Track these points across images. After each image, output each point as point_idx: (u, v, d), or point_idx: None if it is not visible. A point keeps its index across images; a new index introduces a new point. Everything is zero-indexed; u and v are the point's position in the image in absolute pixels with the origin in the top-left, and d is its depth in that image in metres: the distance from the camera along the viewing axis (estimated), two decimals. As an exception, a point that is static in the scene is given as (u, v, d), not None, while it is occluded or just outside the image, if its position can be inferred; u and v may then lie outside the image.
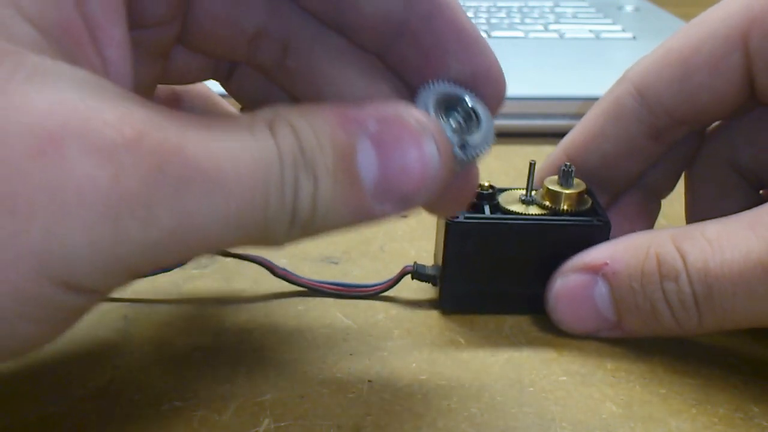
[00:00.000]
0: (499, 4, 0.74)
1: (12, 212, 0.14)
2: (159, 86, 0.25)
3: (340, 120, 0.18)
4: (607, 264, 0.26)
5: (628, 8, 0.75)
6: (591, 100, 0.48)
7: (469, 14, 0.69)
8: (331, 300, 0.30)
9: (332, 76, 0.23)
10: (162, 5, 0.20)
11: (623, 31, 0.65)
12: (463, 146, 0.21)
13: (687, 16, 0.76)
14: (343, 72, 0.23)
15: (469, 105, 0.22)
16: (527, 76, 0.52)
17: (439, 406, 0.24)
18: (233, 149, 0.16)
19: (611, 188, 0.31)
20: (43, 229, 0.14)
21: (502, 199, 0.29)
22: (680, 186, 0.33)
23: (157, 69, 0.23)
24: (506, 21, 0.68)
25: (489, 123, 0.22)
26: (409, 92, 0.23)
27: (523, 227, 0.28)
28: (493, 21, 0.67)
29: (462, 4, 0.78)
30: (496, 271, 0.28)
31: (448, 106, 0.21)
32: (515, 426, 0.23)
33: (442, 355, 0.27)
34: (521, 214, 0.28)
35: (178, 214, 0.15)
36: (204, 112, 0.27)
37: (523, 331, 0.28)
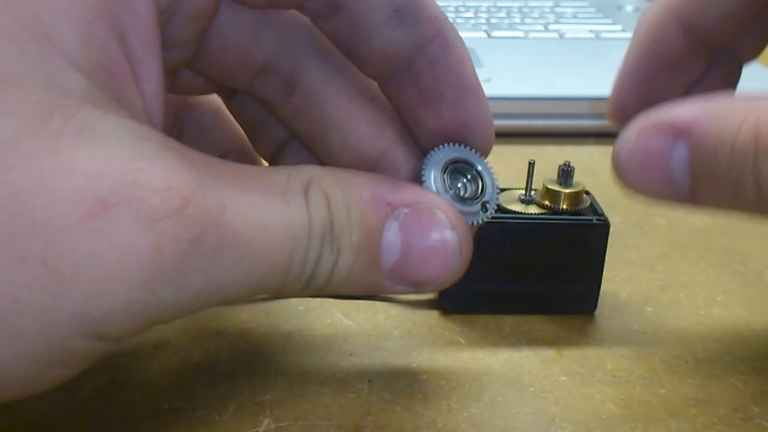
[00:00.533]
0: (500, 4, 0.74)
1: (56, 277, 0.15)
2: (170, 95, 0.25)
3: (373, 199, 0.19)
4: (692, 126, 0.22)
5: (628, 8, 0.75)
6: (591, 100, 0.49)
7: (469, 14, 0.69)
8: (331, 300, 0.30)
9: (339, 119, 0.23)
10: (188, 29, 0.20)
11: (623, 31, 0.65)
12: (470, 214, 0.22)
13: (687, 16, 0.75)
14: (351, 118, 0.23)
15: (477, 170, 0.22)
16: (527, 76, 0.52)
17: (439, 406, 0.24)
18: (267, 217, 0.17)
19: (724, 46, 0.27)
20: (84, 294, 0.15)
21: (502, 198, 0.29)
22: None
23: (165, 84, 0.23)
24: (506, 21, 0.68)
25: (493, 186, 0.22)
26: (414, 141, 0.23)
27: (523, 227, 0.28)
28: (493, 21, 0.67)
29: (462, 3, 0.79)
30: (495, 271, 0.28)
31: (456, 170, 0.22)
32: (515, 426, 0.23)
33: (442, 355, 0.27)
34: (521, 213, 0.28)
35: (209, 279, 0.16)
36: (212, 126, 0.27)
37: (523, 331, 0.28)
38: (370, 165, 0.23)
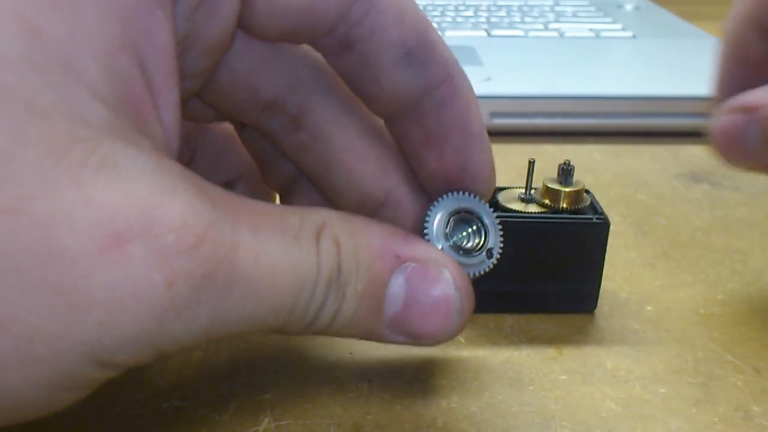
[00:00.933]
0: (499, 3, 0.74)
1: (70, 306, 0.15)
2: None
3: (383, 250, 0.20)
4: (760, 106, 0.26)
5: (628, 7, 0.75)
6: (591, 99, 0.49)
7: (469, 13, 0.69)
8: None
9: (344, 158, 0.23)
10: (202, 61, 0.20)
11: (623, 29, 0.65)
12: (474, 265, 0.22)
13: (687, 15, 0.76)
14: (357, 158, 0.23)
15: (481, 219, 0.23)
16: (527, 74, 0.52)
17: (439, 406, 0.24)
18: (278, 259, 0.18)
19: None
20: (96, 323, 0.15)
21: (502, 197, 0.29)
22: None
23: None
24: (506, 20, 0.68)
25: (496, 232, 0.23)
26: (418, 179, 0.23)
27: (523, 225, 0.28)
28: (493, 20, 0.67)
29: (462, 2, 0.79)
30: (495, 270, 0.28)
31: (460, 219, 0.22)
32: (515, 425, 0.23)
33: (442, 355, 0.27)
34: (521, 212, 0.28)
35: (215, 314, 0.17)
36: (225, 151, 0.27)
37: (523, 331, 0.28)
38: (375, 204, 0.23)
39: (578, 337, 0.28)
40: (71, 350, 0.15)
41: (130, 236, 0.15)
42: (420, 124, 0.22)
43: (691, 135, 0.49)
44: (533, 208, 0.28)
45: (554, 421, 0.24)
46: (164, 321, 0.16)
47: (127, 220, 0.15)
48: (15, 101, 0.15)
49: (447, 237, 0.22)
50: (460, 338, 0.28)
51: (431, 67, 0.21)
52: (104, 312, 0.15)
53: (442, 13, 0.69)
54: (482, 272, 0.22)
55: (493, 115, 0.48)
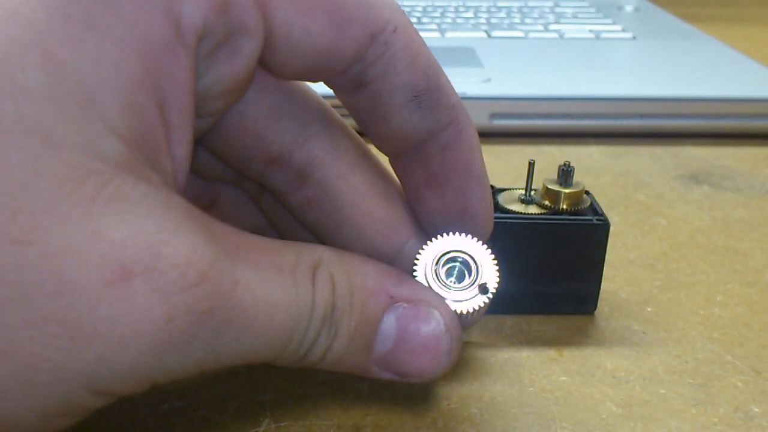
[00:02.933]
0: (499, 4, 0.74)
1: (73, 337, 0.15)
2: None
3: (376, 289, 0.20)
4: None
5: (628, 8, 0.75)
6: (591, 101, 0.49)
7: (469, 14, 0.69)
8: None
9: (353, 216, 0.23)
10: (219, 100, 0.20)
11: (623, 31, 0.65)
12: (466, 300, 0.22)
13: (687, 16, 0.76)
14: (366, 215, 0.23)
15: (472, 257, 0.23)
16: (527, 76, 0.52)
17: (439, 406, 0.24)
18: (274, 295, 0.18)
19: None
20: (96, 355, 0.16)
21: (502, 198, 0.29)
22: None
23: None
24: (506, 21, 0.68)
25: (491, 267, 0.23)
26: (417, 214, 0.24)
27: (523, 227, 0.28)
28: (493, 21, 0.67)
29: (462, 3, 0.79)
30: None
31: (451, 259, 0.23)
32: (515, 426, 0.23)
33: (442, 355, 0.27)
34: (521, 213, 0.28)
35: (210, 349, 0.17)
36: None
37: (523, 332, 0.28)
38: (385, 260, 0.23)
39: (578, 338, 0.28)
40: (70, 380, 0.16)
41: (136, 272, 0.16)
42: (424, 165, 0.22)
43: (691, 136, 0.49)
44: (533, 210, 0.28)
45: (554, 423, 0.24)
46: (161, 355, 0.16)
47: (133, 255, 0.16)
48: (32, 133, 0.15)
49: (436, 274, 0.22)
50: (460, 339, 0.28)
51: (439, 111, 0.21)
52: (105, 345, 0.16)
53: (442, 15, 0.69)
54: (477, 308, 0.22)
55: (493, 116, 0.48)
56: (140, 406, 0.24)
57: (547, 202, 0.28)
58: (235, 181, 0.25)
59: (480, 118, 0.47)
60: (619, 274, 0.32)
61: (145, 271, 0.16)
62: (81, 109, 0.16)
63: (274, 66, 0.20)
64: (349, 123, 0.24)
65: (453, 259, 0.23)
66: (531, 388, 0.25)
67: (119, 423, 0.23)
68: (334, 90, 0.22)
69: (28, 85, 0.15)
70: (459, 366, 0.26)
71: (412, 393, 0.25)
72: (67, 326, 0.15)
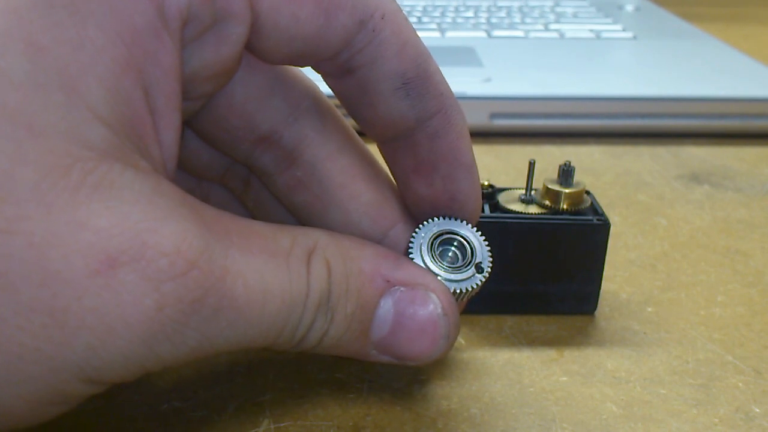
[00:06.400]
0: (500, 3, 0.74)
1: (61, 327, 0.15)
2: None
3: (373, 274, 0.20)
4: None
5: (629, 8, 0.75)
6: (591, 100, 0.49)
7: (469, 14, 0.69)
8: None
9: (341, 198, 0.23)
10: (207, 84, 0.20)
11: (624, 30, 0.65)
12: (463, 280, 0.22)
13: (687, 16, 0.76)
14: (353, 197, 0.23)
15: (464, 237, 0.23)
16: (527, 75, 0.52)
17: (439, 406, 0.24)
18: (267, 282, 0.18)
19: None
20: (85, 345, 0.15)
21: (502, 198, 0.29)
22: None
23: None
24: (506, 21, 0.68)
25: (482, 247, 0.23)
26: (405, 201, 0.24)
27: (523, 226, 0.28)
28: (494, 21, 0.67)
29: (462, 3, 0.79)
30: (495, 271, 0.28)
31: (444, 241, 0.23)
32: (515, 426, 0.23)
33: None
34: (521, 213, 0.28)
35: (203, 337, 0.17)
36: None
37: (523, 331, 0.28)
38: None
39: (579, 338, 0.28)
40: (60, 369, 0.16)
41: (123, 261, 0.15)
42: (412, 152, 0.22)
43: (692, 136, 0.49)
44: (534, 209, 0.28)
45: (555, 423, 0.24)
46: (153, 344, 0.16)
47: (120, 244, 0.15)
48: (16, 121, 0.15)
49: (432, 255, 0.22)
50: (461, 339, 0.28)
51: (427, 99, 0.21)
52: (94, 334, 0.15)
53: (443, 14, 0.69)
54: (474, 287, 0.22)
55: (494, 115, 0.48)
56: (139, 406, 0.24)
57: (547, 202, 0.28)
58: (220, 177, 0.24)
59: (480, 118, 0.47)
60: (620, 274, 0.32)
61: (132, 259, 0.16)
62: (65, 96, 0.15)
63: (261, 51, 0.20)
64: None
65: (448, 241, 0.23)
66: (531, 389, 0.25)
67: (119, 423, 0.23)
68: (322, 75, 0.22)
69: (10, 74, 0.15)
70: (459, 366, 0.26)
71: (412, 393, 0.25)
72: (54, 316, 0.15)
